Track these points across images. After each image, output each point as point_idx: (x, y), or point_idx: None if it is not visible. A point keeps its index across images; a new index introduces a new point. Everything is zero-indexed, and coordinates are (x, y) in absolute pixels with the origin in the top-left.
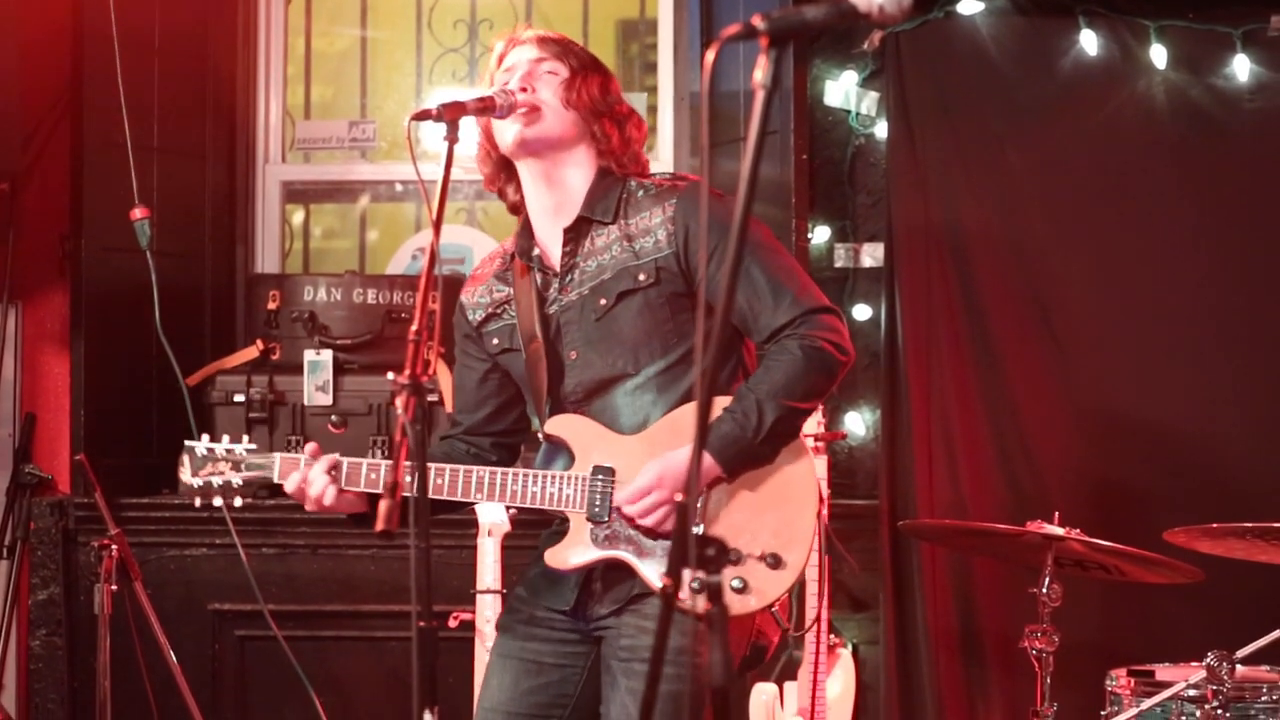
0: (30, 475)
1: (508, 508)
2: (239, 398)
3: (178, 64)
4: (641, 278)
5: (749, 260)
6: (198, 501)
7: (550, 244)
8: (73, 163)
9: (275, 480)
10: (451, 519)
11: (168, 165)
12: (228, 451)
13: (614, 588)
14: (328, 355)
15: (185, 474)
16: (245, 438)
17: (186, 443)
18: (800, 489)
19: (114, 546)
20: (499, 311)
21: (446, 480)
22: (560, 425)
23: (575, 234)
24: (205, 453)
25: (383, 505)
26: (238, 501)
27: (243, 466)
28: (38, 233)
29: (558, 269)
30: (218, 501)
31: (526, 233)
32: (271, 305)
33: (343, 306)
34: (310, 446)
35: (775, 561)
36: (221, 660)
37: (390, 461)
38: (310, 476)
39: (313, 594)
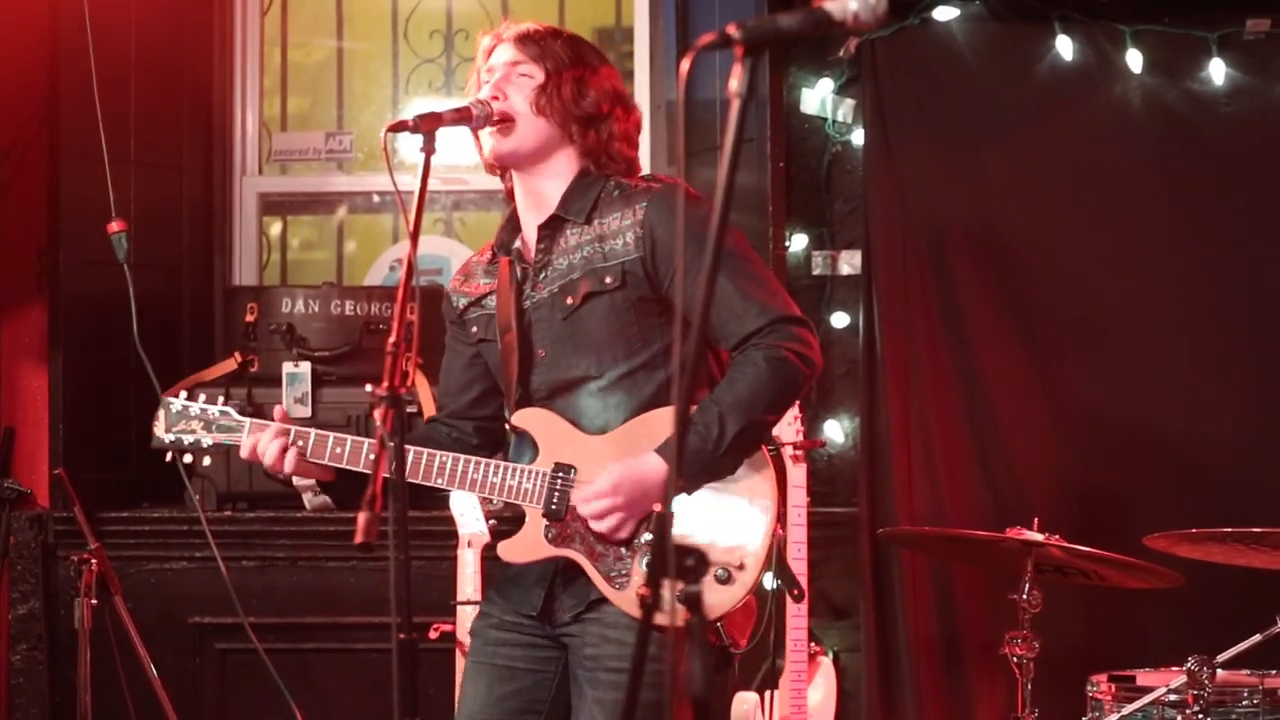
0: (9, 489)
1: (487, 517)
2: (222, 399)
3: (154, 76)
4: (608, 280)
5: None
6: (168, 456)
7: (531, 239)
8: (50, 176)
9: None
10: (431, 530)
11: (145, 178)
12: (202, 411)
13: (575, 590)
14: (306, 367)
15: (159, 428)
16: (221, 399)
17: (164, 397)
18: (759, 506)
19: (94, 560)
20: (480, 301)
21: (409, 462)
22: (527, 418)
23: (550, 231)
24: (180, 409)
25: (362, 517)
26: (205, 461)
27: (214, 428)
28: (15, 246)
29: (533, 264)
30: (187, 459)
31: (511, 225)
32: (249, 317)
33: (321, 318)
34: (278, 409)
35: (726, 577)
36: (202, 674)
37: (357, 437)
38: (263, 443)
39: (293, 606)
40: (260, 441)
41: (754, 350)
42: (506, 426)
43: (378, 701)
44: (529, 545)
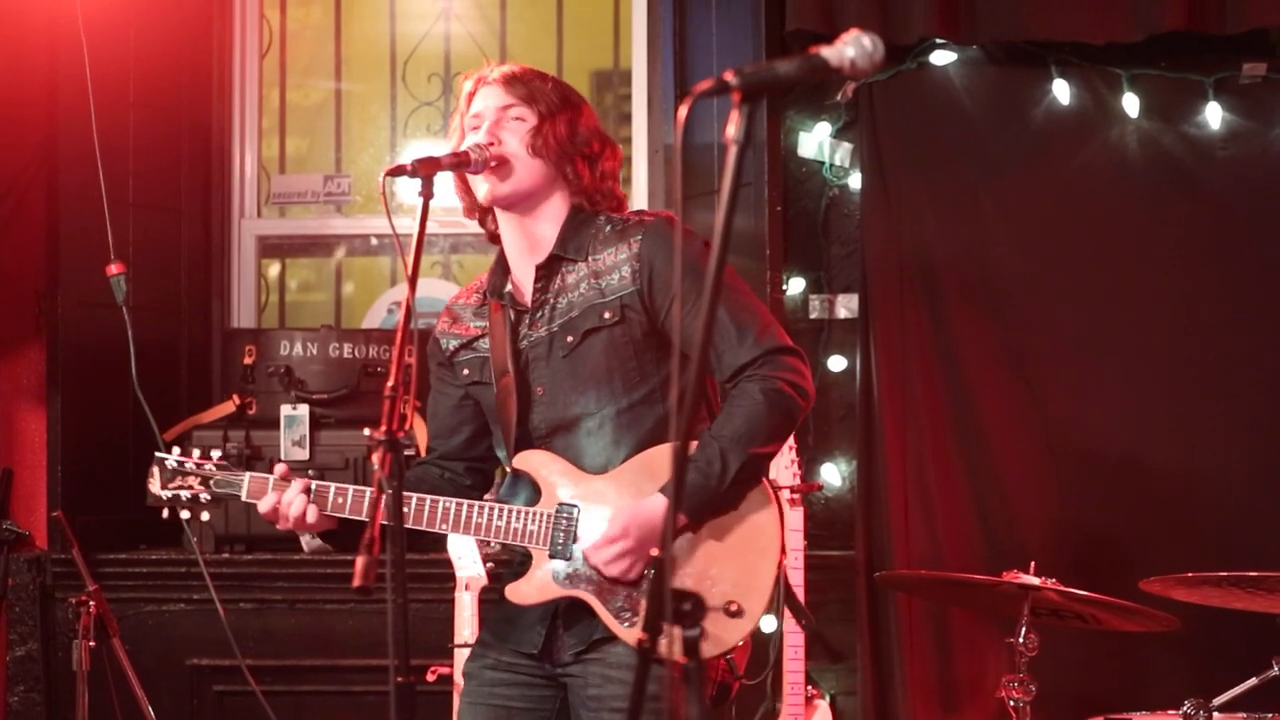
0: (7, 531)
1: (485, 560)
2: (216, 453)
3: (153, 118)
4: (607, 315)
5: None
6: (165, 513)
7: (524, 281)
8: (49, 218)
9: (244, 499)
10: (428, 573)
11: (143, 220)
12: (197, 466)
13: (577, 629)
14: (304, 410)
15: (154, 485)
16: (215, 453)
17: (157, 454)
18: (763, 538)
19: (92, 602)
20: (472, 344)
21: (413, 509)
22: (527, 460)
23: (547, 271)
24: (175, 466)
25: (360, 561)
26: (204, 516)
27: (212, 484)
28: (13, 288)
29: (529, 305)
30: (184, 515)
31: (501, 269)
32: (248, 360)
33: (319, 361)
34: (280, 468)
35: (734, 610)
36: (200, 716)
37: (359, 487)
38: (287, 498)
39: (290, 649)
40: (283, 498)
41: (748, 383)
42: (508, 468)
43: None
44: (537, 587)
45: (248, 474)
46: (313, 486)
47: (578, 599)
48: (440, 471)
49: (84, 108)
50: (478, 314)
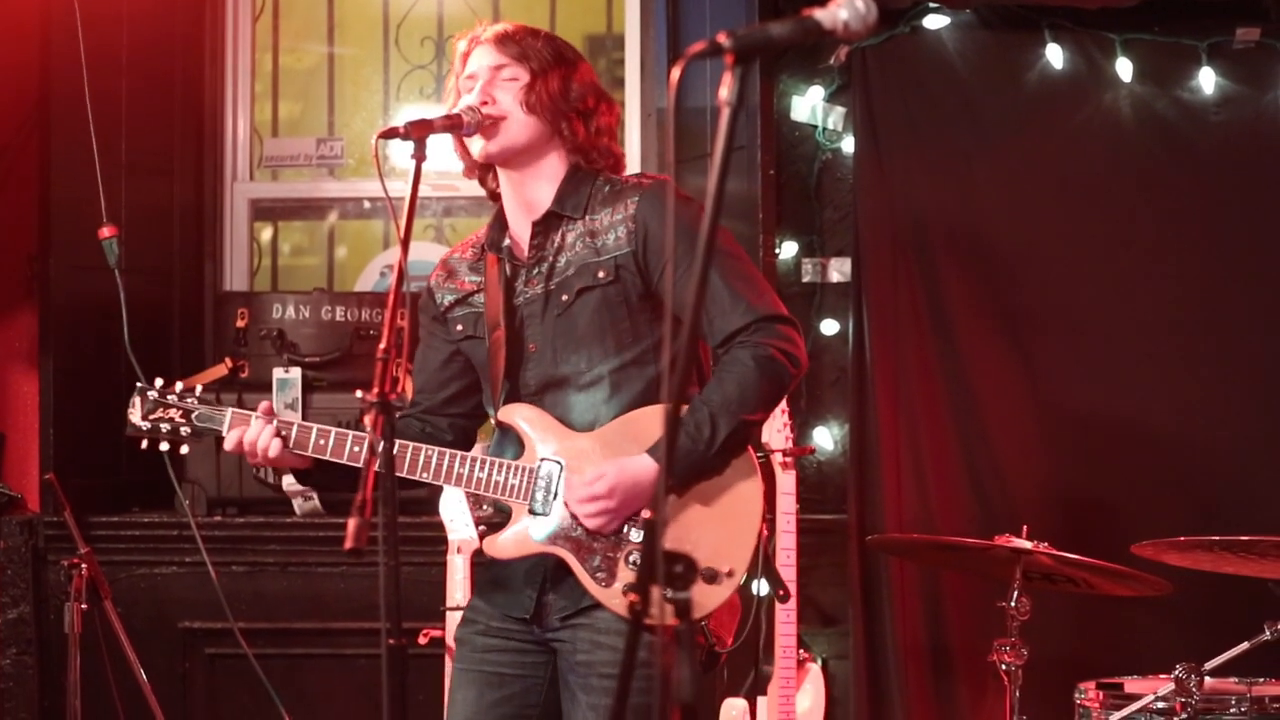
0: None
1: (477, 523)
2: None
3: (145, 82)
4: (601, 275)
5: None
6: (144, 444)
7: (522, 236)
8: (40, 181)
9: (224, 434)
10: (420, 536)
11: (136, 183)
12: (180, 399)
13: (564, 591)
14: (296, 373)
15: (134, 415)
16: (199, 387)
17: (139, 384)
18: (745, 506)
19: (84, 565)
20: (467, 299)
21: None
22: (513, 413)
23: (544, 227)
24: (157, 397)
25: (351, 523)
26: (184, 449)
27: (194, 417)
28: (5, 251)
29: (526, 260)
30: (164, 446)
31: (499, 224)
32: (240, 323)
33: (311, 324)
34: (263, 404)
35: (712, 575)
36: (192, 678)
37: (341, 430)
38: (250, 435)
39: (282, 611)
40: (248, 433)
41: (740, 349)
42: (492, 421)
43: (367, 706)
44: (515, 542)
45: (230, 409)
46: (294, 428)
47: (556, 557)
48: (421, 426)
49: (76, 71)
50: (473, 268)
